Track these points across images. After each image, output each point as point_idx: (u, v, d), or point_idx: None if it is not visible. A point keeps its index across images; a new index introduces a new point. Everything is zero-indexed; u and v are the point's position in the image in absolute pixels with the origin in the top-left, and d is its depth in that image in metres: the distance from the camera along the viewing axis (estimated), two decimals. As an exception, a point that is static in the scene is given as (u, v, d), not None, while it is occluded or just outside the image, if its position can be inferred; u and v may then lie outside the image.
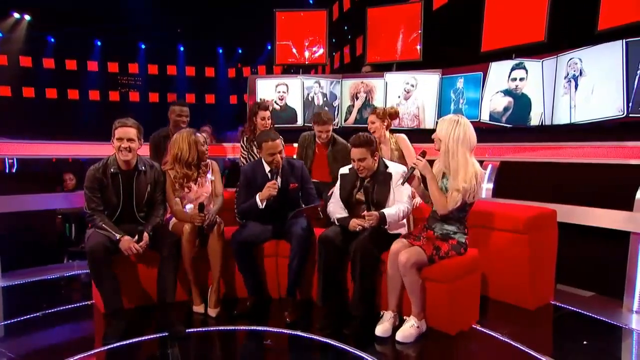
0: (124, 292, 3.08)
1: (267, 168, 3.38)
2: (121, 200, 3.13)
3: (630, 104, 3.60)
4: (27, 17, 9.96)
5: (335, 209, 3.26)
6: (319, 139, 4.00)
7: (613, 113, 3.72)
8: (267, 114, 4.05)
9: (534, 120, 4.39)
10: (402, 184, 2.97)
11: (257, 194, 3.25)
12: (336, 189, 3.34)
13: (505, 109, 4.62)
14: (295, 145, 4.32)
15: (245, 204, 3.35)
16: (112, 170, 3.09)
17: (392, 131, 3.94)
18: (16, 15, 9.91)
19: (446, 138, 2.79)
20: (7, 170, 5.53)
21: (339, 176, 3.35)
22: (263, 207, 3.25)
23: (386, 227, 3.07)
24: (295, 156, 4.15)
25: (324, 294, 3.12)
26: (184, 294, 3.36)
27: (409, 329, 2.78)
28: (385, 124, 3.81)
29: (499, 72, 4.65)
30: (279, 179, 3.30)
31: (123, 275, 3.18)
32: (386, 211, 3.03)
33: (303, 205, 3.43)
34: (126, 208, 3.16)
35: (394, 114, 3.90)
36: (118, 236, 2.99)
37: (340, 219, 3.18)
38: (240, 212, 3.49)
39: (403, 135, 3.89)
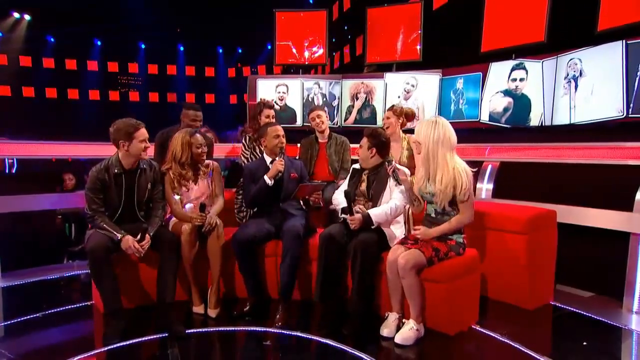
0: (124, 292, 3.09)
1: (268, 160, 3.49)
2: (123, 199, 3.14)
3: (631, 105, 3.60)
4: (27, 17, 9.96)
5: (341, 198, 3.29)
6: (318, 128, 4.16)
7: (613, 114, 3.72)
8: (272, 112, 4.06)
9: (534, 120, 4.39)
10: (390, 169, 3.02)
11: (265, 175, 3.37)
12: (346, 181, 3.41)
13: (505, 110, 4.61)
14: (297, 145, 4.43)
15: (253, 189, 3.42)
16: (115, 170, 3.11)
17: (405, 132, 3.97)
18: (16, 15, 9.92)
19: (426, 140, 2.80)
20: (7, 171, 5.53)
21: (350, 170, 3.41)
22: (272, 183, 3.34)
23: (374, 226, 3.09)
24: (298, 157, 4.24)
25: (322, 291, 3.11)
26: (184, 294, 3.36)
27: (408, 332, 2.78)
28: (401, 121, 3.87)
29: (499, 73, 4.65)
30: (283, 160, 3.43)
31: (123, 275, 3.19)
32: (372, 211, 3.06)
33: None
34: (127, 207, 3.17)
35: (411, 115, 3.97)
36: (119, 236, 3.00)
37: (344, 208, 3.19)
38: (250, 198, 3.49)
39: None
